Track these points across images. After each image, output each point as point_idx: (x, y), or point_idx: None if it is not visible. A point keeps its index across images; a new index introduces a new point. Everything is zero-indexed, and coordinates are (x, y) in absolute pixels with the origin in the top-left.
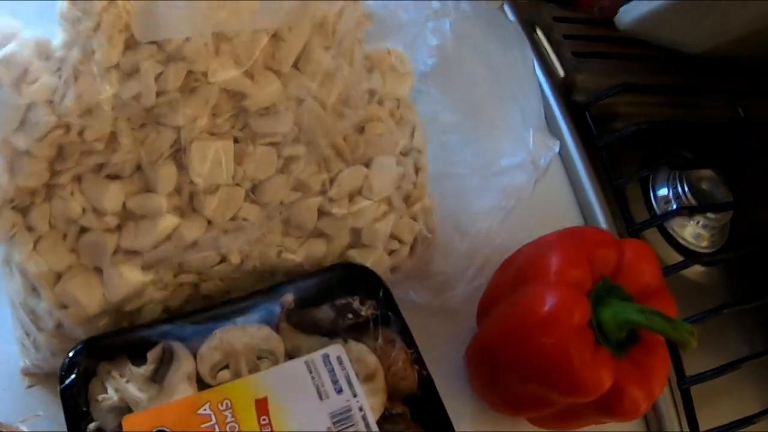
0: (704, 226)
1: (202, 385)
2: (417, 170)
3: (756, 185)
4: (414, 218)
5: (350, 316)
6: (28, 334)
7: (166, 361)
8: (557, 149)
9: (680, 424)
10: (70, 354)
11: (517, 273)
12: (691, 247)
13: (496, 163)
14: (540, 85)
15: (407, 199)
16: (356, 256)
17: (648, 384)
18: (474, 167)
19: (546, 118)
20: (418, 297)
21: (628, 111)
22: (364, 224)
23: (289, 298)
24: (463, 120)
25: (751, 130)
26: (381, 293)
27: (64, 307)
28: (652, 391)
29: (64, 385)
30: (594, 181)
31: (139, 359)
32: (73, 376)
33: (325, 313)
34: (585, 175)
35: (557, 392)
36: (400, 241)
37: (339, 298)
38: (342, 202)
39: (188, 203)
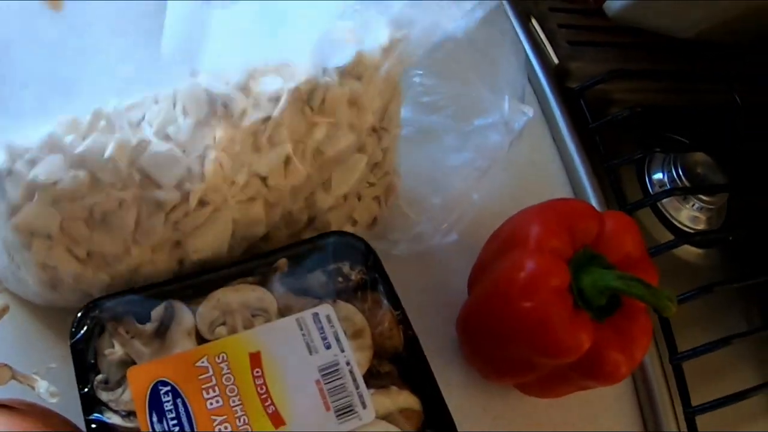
0: (700, 209)
1: (201, 340)
2: (385, 151)
3: (751, 169)
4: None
5: (340, 279)
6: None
7: (168, 318)
8: (531, 114)
9: (672, 400)
10: (80, 313)
11: (502, 242)
12: (687, 230)
13: (471, 123)
14: (526, 59)
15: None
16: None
17: (629, 349)
18: (449, 126)
19: (540, 102)
20: (394, 248)
21: (623, 97)
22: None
23: (282, 261)
24: (440, 83)
25: (746, 114)
26: (370, 260)
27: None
28: (634, 356)
29: (74, 340)
30: (586, 163)
31: (144, 317)
32: (82, 332)
33: (316, 277)
34: (577, 156)
35: (539, 353)
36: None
37: (330, 264)
38: None
39: None
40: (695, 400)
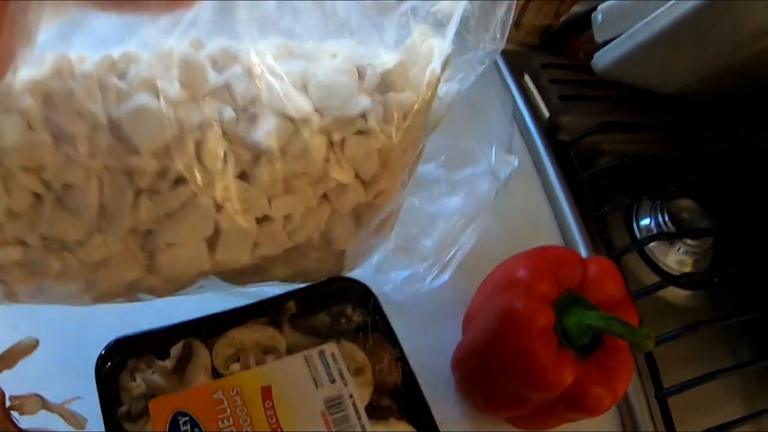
0: (686, 253)
1: (216, 375)
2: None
3: (735, 214)
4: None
5: (344, 321)
6: None
7: (186, 355)
8: (516, 164)
9: None
10: (104, 350)
11: (494, 286)
12: (674, 273)
13: (460, 172)
14: (514, 115)
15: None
16: None
17: (611, 384)
18: (440, 175)
19: (531, 155)
20: (390, 289)
21: (613, 148)
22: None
23: (291, 304)
24: (434, 135)
25: (730, 162)
26: (371, 303)
27: None
28: (615, 390)
29: (99, 374)
30: (575, 212)
31: (163, 354)
32: (107, 367)
33: (322, 318)
34: (567, 205)
35: (526, 388)
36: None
37: (335, 306)
38: None
39: None
40: None
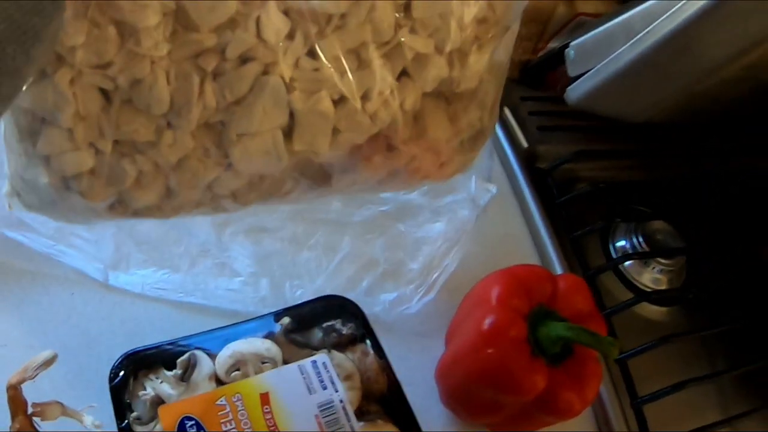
0: (660, 272)
1: (219, 383)
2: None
3: (706, 233)
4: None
5: (334, 334)
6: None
7: (192, 366)
8: (494, 191)
9: None
10: (117, 362)
11: (472, 303)
12: (649, 291)
13: (442, 199)
14: (495, 146)
15: None
16: None
17: (581, 389)
18: (424, 203)
19: (510, 182)
20: (380, 310)
21: (589, 174)
22: None
23: (286, 320)
24: None
25: (700, 184)
26: (359, 318)
27: None
28: (586, 395)
29: (112, 384)
30: (552, 235)
31: (171, 365)
32: (119, 378)
33: (314, 332)
34: (544, 229)
35: (502, 393)
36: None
37: (326, 321)
38: None
39: None
40: None
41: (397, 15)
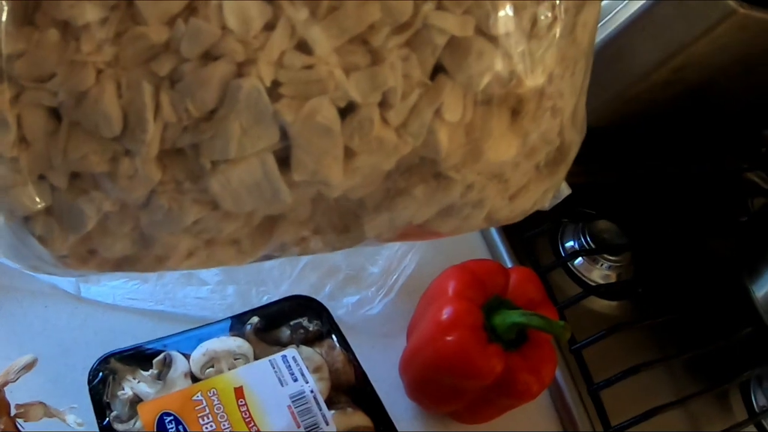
0: (609, 268)
1: (194, 380)
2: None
3: (650, 230)
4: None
5: (301, 331)
6: None
7: (167, 365)
8: None
9: (592, 425)
10: (95, 364)
11: (430, 297)
12: (597, 285)
13: None
14: None
15: None
16: None
17: (538, 372)
18: None
19: None
20: (342, 312)
21: None
22: None
23: (255, 319)
24: None
25: (640, 184)
26: (324, 316)
27: None
28: (542, 377)
29: (92, 385)
30: (504, 237)
31: (147, 365)
32: (98, 379)
33: (282, 331)
34: (496, 231)
35: (461, 378)
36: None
37: (293, 320)
38: None
39: None
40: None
41: None
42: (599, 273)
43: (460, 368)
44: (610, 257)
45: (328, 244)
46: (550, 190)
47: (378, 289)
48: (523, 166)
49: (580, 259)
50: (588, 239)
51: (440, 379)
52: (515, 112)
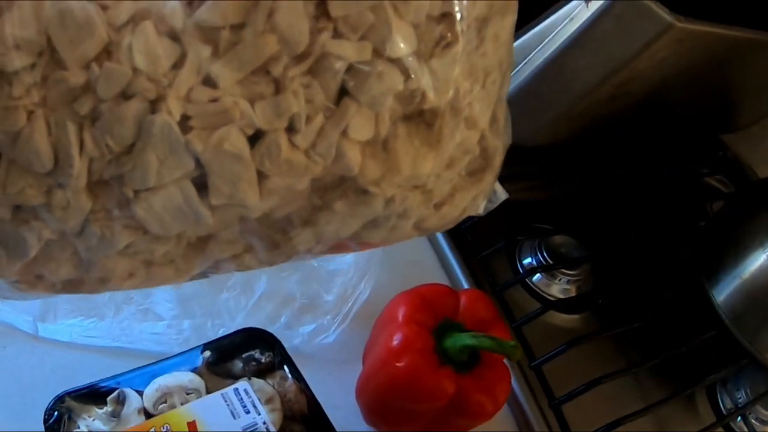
0: (567, 282)
1: (148, 416)
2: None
3: (606, 242)
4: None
5: (253, 363)
6: None
7: (121, 402)
8: None
9: None
10: (50, 405)
11: (382, 323)
12: (555, 300)
13: None
14: None
15: None
16: None
17: (491, 392)
18: None
19: None
20: (298, 342)
21: None
22: None
23: (207, 353)
24: None
25: (594, 197)
26: (276, 347)
27: None
28: (496, 397)
29: (47, 424)
30: (458, 258)
31: (102, 403)
32: (53, 419)
33: (235, 363)
34: (450, 253)
35: (414, 402)
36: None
37: (245, 352)
38: None
39: None
40: None
41: (312, 16)
42: (558, 288)
43: (411, 392)
44: (569, 271)
45: (261, 260)
46: (480, 197)
47: (333, 316)
48: (445, 176)
49: (538, 275)
50: (545, 255)
51: (394, 403)
52: (429, 125)
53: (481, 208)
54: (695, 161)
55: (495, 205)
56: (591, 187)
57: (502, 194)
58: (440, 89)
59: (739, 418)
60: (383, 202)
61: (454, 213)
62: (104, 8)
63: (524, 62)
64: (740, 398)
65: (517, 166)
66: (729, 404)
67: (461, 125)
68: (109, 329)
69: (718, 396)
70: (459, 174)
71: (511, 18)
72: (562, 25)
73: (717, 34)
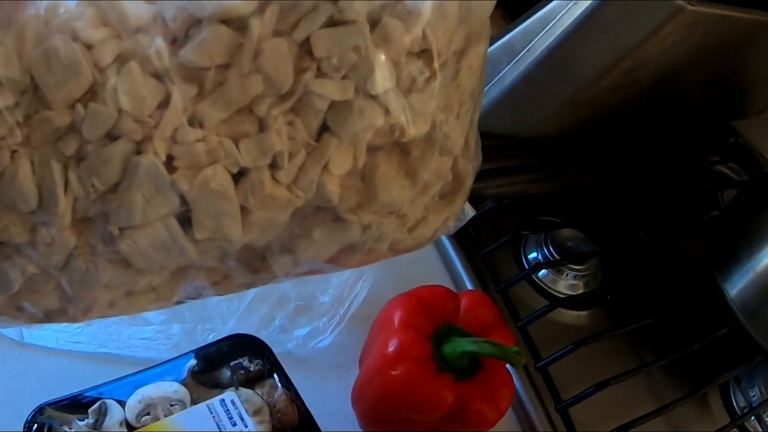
0: (575, 278)
1: (130, 428)
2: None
3: (615, 235)
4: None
5: (242, 372)
6: None
7: (103, 414)
8: None
9: None
10: (29, 417)
11: (378, 327)
12: (563, 297)
13: None
14: None
15: None
16: None
17: (493, 400)
18: None
19: None
20: (293, 345)
21: (494, 192)
22: None
23: (193, 362)
24: None
25: (601, 189)
26: (266, 354)
27: None
28: (499, 405)
29: None
30: (461, 254)
31: (83, 414)
32: (33, 430)
33: (223, 372)
34: (452, 249)
35: (411, 411)
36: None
37: (233, 360)
38: None
39: None
40: None
41: (296, 56)
42: (565, 283)
43: (408, 402)
44: (576, 266)
45: (241, 285)
46: (451, 218)
47: (329, 319)
48: (419, 201)
49: (544, 271)
50: (552, 249)
51: (391, 413)
52: (405, 154)
53: (451, 229)
54: (706, 149)
55: (463, 223)
56: (598, 179)
57: (470, 212)
58: (418, 123)
59: (753, 418)
60: (360, 228)
61: (426, 234)
62: (89, 47)
63: (527, 49)
64: (754, 396)
65: (522, 157)
66: (743, 403)
67: (436, 154)
68: (96, 335)
69: (731, 394)
70: (432, 197)
71: (484, 45)
72: (566, 8)
73: (730, 17)
